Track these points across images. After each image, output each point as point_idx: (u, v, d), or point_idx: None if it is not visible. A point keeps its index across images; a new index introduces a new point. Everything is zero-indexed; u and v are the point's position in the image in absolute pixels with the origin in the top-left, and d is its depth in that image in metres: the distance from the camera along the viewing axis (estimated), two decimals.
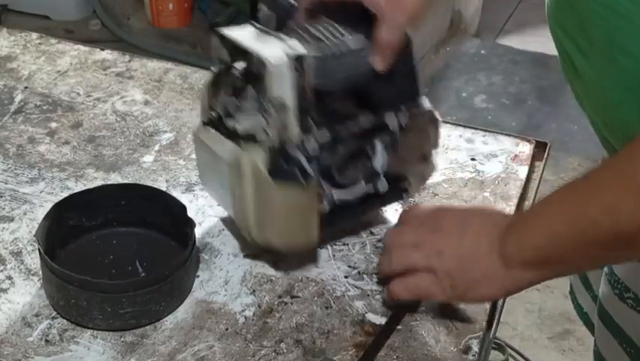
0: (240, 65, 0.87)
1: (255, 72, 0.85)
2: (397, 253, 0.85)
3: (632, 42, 0.74)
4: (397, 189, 0.95)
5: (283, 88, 0.82)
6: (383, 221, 1.01)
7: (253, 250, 0.93)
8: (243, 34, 0.87)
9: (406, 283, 0.83)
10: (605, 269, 0.96)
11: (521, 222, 0.79)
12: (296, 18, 0.89)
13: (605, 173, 0.73)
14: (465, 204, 1.02)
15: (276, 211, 0.85)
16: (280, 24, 0.89)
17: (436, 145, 0.96)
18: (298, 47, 0.83)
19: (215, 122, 0.90)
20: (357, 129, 0.89)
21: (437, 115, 0.94)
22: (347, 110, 0.89)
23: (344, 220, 0.94)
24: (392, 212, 1.02)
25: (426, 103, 0.93)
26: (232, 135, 0.87)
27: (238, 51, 0.86)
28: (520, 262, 0.77)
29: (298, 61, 0.82)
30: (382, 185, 0.92)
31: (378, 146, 0.91)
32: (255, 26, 0.88)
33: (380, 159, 0.91)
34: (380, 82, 0.89)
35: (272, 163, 0.83)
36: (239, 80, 0.88)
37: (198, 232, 0.93)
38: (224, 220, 0.99)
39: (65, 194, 0.99)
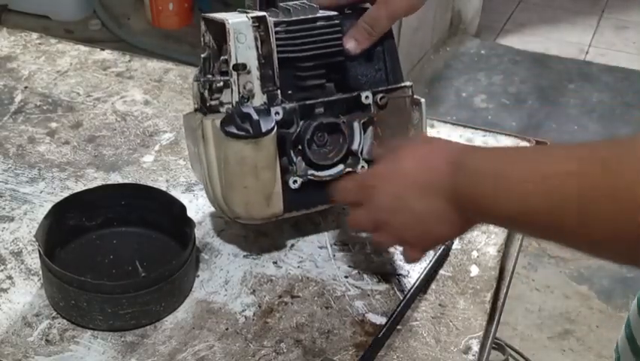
0: (225, 52, 0.88)
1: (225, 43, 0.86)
2: (372, 239, 0.84)
3: None
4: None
5: (244, 49, 0.83)
6: None
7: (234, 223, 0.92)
8: (224, 15, 0.87)
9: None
10: None
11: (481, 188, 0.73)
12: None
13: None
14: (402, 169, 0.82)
15: (231, 168, 0.84)
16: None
17: (422, 131, 0.95)
18: (258, 13, 0.84)
19: (202, 107, 0.90)
20: (330, 105, 0.89)
21: (421, 98, 0.93)
22: (319, 84, 0.90)
23: (321, 200, 0.91)
24: None
25: (408, 85, 0.93)
26: (212, 112, 0.88)
27: (221, 33, 0.87)
28: (475, 215, 0.76)
29: (259, 21, 0.83)
30: (361, 167, 0.92)
31: (356, 126, 0.90)
32: (239, 11, 0.89)
33: (357, 140, 0.91)
34: (355, 60, 0.90)
35: (226, 120, 0.83)
36: (224, 65, 0.88)
37: (198, 231, 0.93)
38: (224, 220, 0.99)
39: (65, 194, 0.99)
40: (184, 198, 0.99)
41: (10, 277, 0.90)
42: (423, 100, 0.93)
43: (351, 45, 0.89)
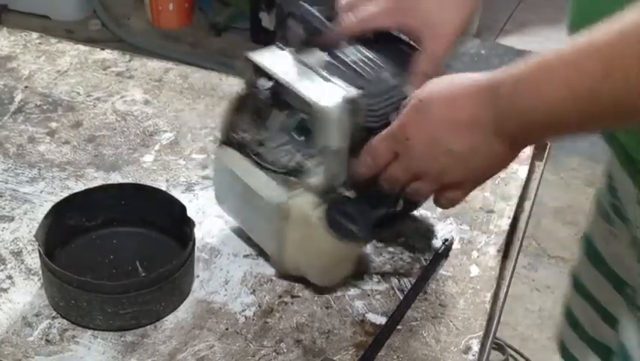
0: (266, 88, 0.86)
1: (297, 108, 0.84)
2: (408, 190, 0.81)
3: None
4: (409, 205, 0.95)
5: (336, 133, 0.80)
6: None
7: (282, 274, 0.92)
8: (276, 64, 0.84)
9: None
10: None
11: (518, 98, 0.70)
12: (326, 41, 0.87)
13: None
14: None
15: (327, 260, 0.85)
16: (307, 41, 0.88)
17: None
18: (343, 85, 0.81)
19: (241, 146, 0.88)
20: None
21: None
22: None
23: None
24: None
25: None
26: (264, 166, 0.86)
27: (269, 77, 0.85)
28: (524, 139, 0.73)
29: (351, 104, 0.79)
30: (400, 206, 0.92)
31: None
32: (281, 48, 0.86)
33: None
34: None
35: (329, 217, 0.82)
36: (265, 105, 0.87)
37: (198, 231, 0.93)
38: (224, 220, 0.99)
39: (65, 194, 0.99)
40: (184, 198, 0.98)
41: (10, 277, 0.90)
42: None
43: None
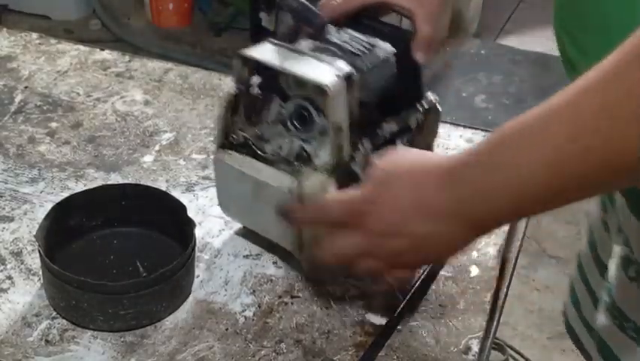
0: (258, 84, 0.86)
1: (293, 94, 0.84)
2: (357, 268, 0.77)
3: (626, 18, 0.69)
4: None
5: (339, 110, 0.81)
6: None
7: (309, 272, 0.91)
8: (270, 55, 0.84)
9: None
10: (605, 298, 0.92)
11: (485, 183, 0.67)
12: (317, 27, 0.88)
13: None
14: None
15: None
16: (297, 31, 0.90)
17: (436, 134, 0.99)
18: (340, 65, 0.82)
19: (241, 145, 0.88)
20: (389, 134, 0.90)
21: (439, 107, 0.95)
22: (378, 118, 0.90)
23: None
24: None
25: (430, 96, 0.95)
26: (267, 160, 0.86)
27: (265, 72, 0.85)
28: (489, 222, 0.70)
29: (349, 80, 0.81)
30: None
31: (400, 146, 0.91)
32: (274, 43, 0.86)
33: None
34: (401, 85, 0.90)
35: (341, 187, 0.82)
36: (259, 101, 0.87)
37: (198, 232, 0.93)
38: (224, 220, 0.99)
39: (65, 194, 0.99)
40: (184, 198, 0.99)
41: (10, 277, 0.90)
42: (440, 109, 0.96)
43: (424, 58, 0.89)
